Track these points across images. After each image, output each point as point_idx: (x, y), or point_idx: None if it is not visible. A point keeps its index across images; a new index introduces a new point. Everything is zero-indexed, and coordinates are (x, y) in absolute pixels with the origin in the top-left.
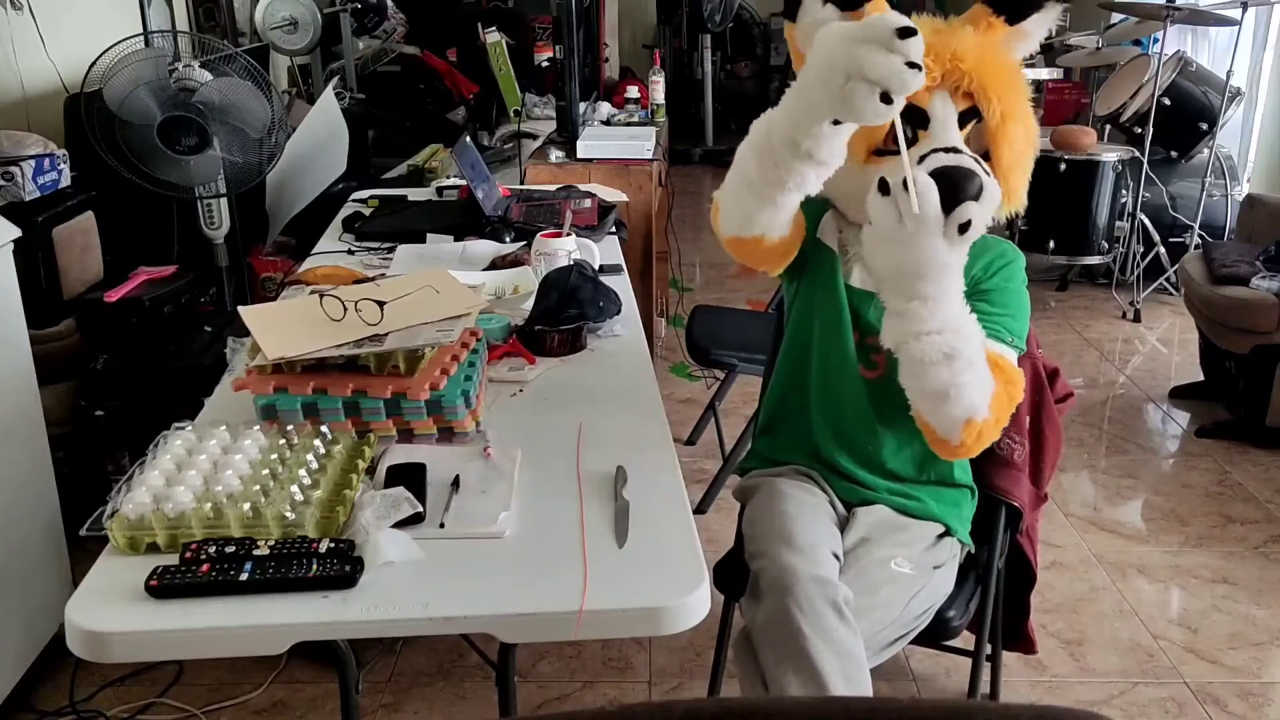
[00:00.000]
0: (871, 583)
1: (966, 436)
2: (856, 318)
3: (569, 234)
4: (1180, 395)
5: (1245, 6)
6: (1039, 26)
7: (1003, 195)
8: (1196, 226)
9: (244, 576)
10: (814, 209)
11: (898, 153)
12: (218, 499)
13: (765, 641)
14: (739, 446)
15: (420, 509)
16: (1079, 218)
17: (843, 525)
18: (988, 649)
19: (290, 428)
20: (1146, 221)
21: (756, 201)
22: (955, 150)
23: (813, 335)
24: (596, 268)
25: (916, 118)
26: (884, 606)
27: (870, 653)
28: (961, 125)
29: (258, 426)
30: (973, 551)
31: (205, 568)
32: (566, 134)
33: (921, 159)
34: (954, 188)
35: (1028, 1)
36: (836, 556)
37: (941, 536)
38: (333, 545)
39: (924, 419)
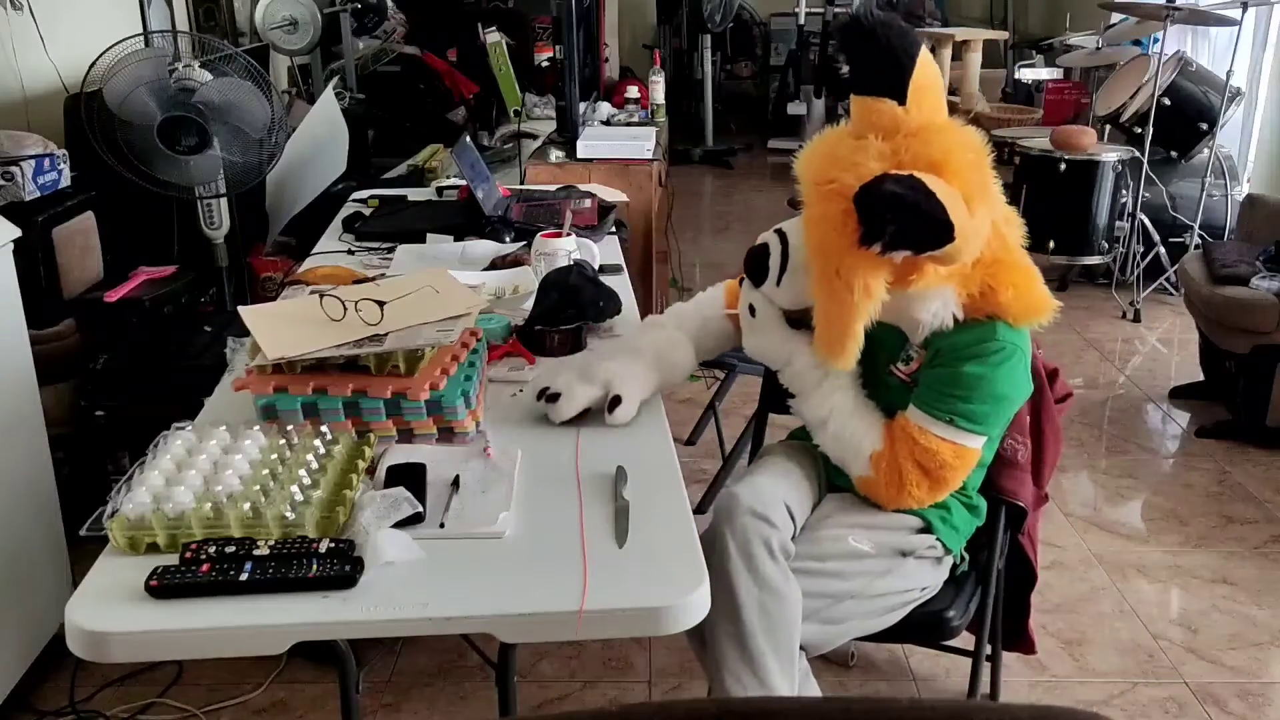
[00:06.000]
0: (821, 550)
1: (859, 484)
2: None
3: (569, 234)
4: (1180, 395)
5: (1245, 6)
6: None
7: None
8: (1196, 226)
9: (244, 576)
10: None
11: None
12: (218, 499)
13: None
14: (739, 446)
15: (420, 509)
16: (1079, 218)
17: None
18: (988, 649)
19: (290, 428)
20: (1146, 221)
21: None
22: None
23: None
24: (596, 268)
25: None
26: (835, 575)
27: (823, 622)
28: None
29: (258, 426)
30: (965, 557)
31: (205, 568)
32: (566, 134)
33: None
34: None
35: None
36: (793, 516)
37: (921, 531)
38: (333, 545)
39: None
